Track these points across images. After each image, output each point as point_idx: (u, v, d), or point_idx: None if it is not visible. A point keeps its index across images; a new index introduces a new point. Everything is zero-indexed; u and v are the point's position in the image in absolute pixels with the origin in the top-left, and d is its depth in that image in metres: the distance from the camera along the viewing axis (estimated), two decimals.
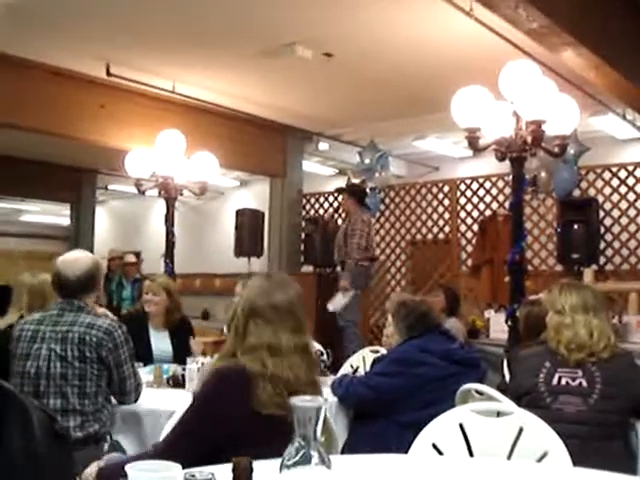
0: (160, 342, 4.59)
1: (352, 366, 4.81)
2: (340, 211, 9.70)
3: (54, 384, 3.07)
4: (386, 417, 3.38)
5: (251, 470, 1.36)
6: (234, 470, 1.36)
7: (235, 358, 2.24)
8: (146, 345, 4.48)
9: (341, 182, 9.98)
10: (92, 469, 2.47)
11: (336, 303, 7.73)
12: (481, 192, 9.11)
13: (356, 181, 9.34)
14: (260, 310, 2.26)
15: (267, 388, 2.15)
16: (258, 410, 2.13)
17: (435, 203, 9.45)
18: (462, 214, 9.23)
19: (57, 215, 15.00)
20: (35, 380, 3.09)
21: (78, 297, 3.21)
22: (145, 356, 4.23)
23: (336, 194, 8.53)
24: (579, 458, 2.25)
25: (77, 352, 3.07)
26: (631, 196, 8.14)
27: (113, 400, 3.28)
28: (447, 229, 9.37)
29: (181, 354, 4.30)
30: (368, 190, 9.18)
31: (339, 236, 8.01)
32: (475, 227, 8.98)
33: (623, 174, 8.23)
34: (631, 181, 8.16)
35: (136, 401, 3.30)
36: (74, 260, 3.29)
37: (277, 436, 2.07)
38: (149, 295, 4.63)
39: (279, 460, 1.45)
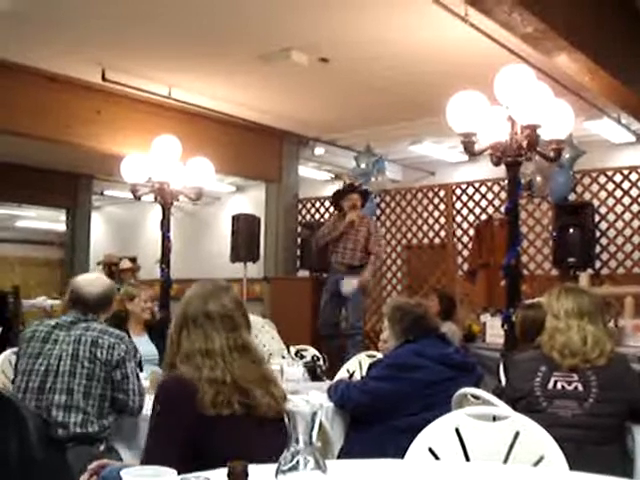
0: (144, 345, 4.65)
1: (348, 371, 4.81)
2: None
3: (61, 380, 3.17)
4: (382, 422, 3.38)
5: (246, 475, 1.36)
6: (229, 475, 1.36)
7: (174, 369, 2.29)
8: None
9: (337, 187, 9.96)
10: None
11: (350, 287, 7.61)
12: (477, 197, 9.12)
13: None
14: (191, 318, 2.32)
15: (207, 390, 2.18)
16: (203, 412, 2.15)
17: (431, 208, 9.46)
18: (458, 218, 9.25)
19: (53, 221, 15.00)
20: (43, 377, 3.19)
21: (93, 313, 3.39)
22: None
23: (349, 191, 8.07)
24: (575, 462, 2.25)
25: (88, 353, 3.20)
26: (626, 200, 8.16)
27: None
28: (443, 234, 9.38)
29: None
30: None
31: (358, 238, 7.70)
32: (471, 231, 8.99)
33: (618, 178, 8.25)
34: (626, 185, 8.18)
35: (140, 411, 3.30)
36: (93, 279, 3.53)
37: (231, 436, 2.10)
38: (148, 303, 4.74)
39: (275, 465, 1.45)
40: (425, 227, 9.53)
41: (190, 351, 2.27)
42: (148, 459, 2.17)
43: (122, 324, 4.65)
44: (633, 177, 8.14)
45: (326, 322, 7.82)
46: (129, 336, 4.55)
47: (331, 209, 10.18)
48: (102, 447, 3.16)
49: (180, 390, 2.21)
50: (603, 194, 8.31)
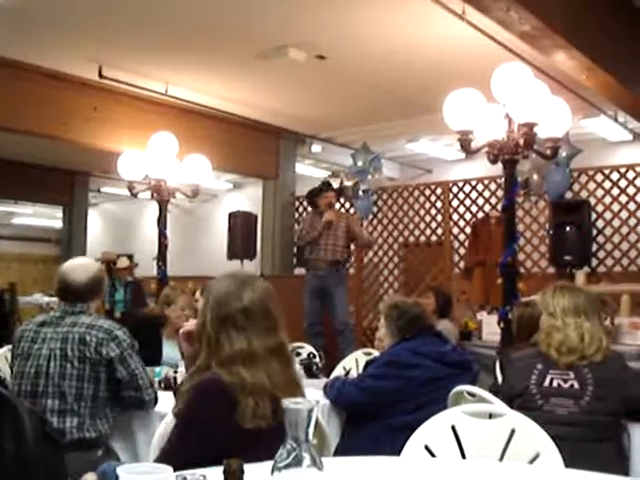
0: (170, 349, 4.66)
1: (345, 368, 4.81)
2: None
3: (52, 383, 3.08)
4: (378, 419, 3.38)
5: (242, 472, 1.36)
6: (225, 472, 1.36)
7: (210, 370, 2.17)
8: (158, 350, 4.56)
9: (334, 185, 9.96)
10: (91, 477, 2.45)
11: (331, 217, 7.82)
12: (473, 194, 9.12)
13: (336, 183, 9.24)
14: (231, 317, 2.19)
15: (249, 402, 2.09)
16: (242, 425, 2.08)
17: (428, 205, 9.45)
18: (455, 216, 9.24)
19: (50, 218, 14.99)
20: (34, 379, 3.11)
21: (82, 302, 3.26)
22: (154, 361, 4.23)
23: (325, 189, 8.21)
24: (571, 459, 2.25)
25: (77, 352, 3.10)
26: (623, 198, 8.16)
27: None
28: (440, 231, 9.37)
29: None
30: (361, 192, 9.19)
31: (337, 234, 7.74)
32: (467, 229, 8.99)
33: (615, 176, 8.25)
34: (623, 183, 8.18)
35: (156, 403, 3.25)
36: (80, 266, 3.35)
37: (264, 449, 2.04)
38: (186, 310, 4.73)
39: (271, 463, 1.45)
40: (422, 225, 9.52)
41: (231, 355, 2.14)
42: (168, 457, 2.08)
43: (158, 328, 4.70)
44: (630, 175, 8.14)
45: (312, 321, 7.74)
46: (160, 339, 4.61)
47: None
48: (100, 452, 3.09)
49: (222, 396, 2.10)
50: (600, 192, 8.31)
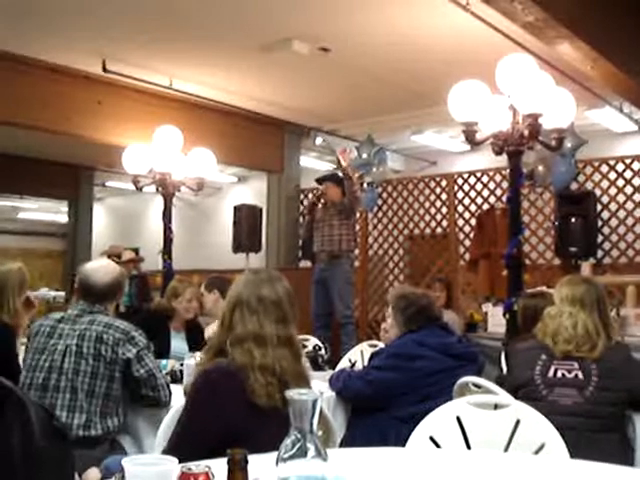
0: (178, 341, 4.72)
1: (350, 360, 4.81)
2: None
3: (65, 378, 3.10)
4: (384, 411, 3.38)
5: (246, 462, 1.36)
6: (229, 462, 1.36)
7: (222, 353, 2.25)
8: (166, 343, 4.60)
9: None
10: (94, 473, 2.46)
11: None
12: (479, 186, 9.10)
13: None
14: (245, 300, 2.29)
15: (258, 378, 2.16)
16: (253, 401, 2.13)
17: (433, 197, 9.44)
18: (460, 208, 9.22)
19: (55, 212, 15.02)
20: (47, 374, 3.13)
21: (100, 302, 3.30)
22: (162, 354, 4.24)
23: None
24: (576, 450, 2.25)
25: (93, 349, 3.11)
26: (628, 189, 8.13)
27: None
28: (445, 223, 9.35)
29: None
30: (365, 185, 9.17)
31: (332, 223, 7.72)
32: (473, 221, 8.98)
33: (620, 167, 8.22)
34: (628, 174, 8.15)
35: (169, 403, 3.22)
36: (101, 267, 3.41)
37: (274, 427, 2.07)
38: (193, 302, 4.75)
39: (275, 453, 1.45)
40: (427, 217, 9.50)
41: (243, 334, 2.24)
42: (179, 440, 2.15)
43: (166, 320, 4.75)
44: (635, 166, 8.11)
45: (317, 313, 7.76)
46: (169, 332, 4.65)
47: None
48: (105, 448, 3.08)
49: (229, 380, 2.18)
50: (605, 183, 8.29)
